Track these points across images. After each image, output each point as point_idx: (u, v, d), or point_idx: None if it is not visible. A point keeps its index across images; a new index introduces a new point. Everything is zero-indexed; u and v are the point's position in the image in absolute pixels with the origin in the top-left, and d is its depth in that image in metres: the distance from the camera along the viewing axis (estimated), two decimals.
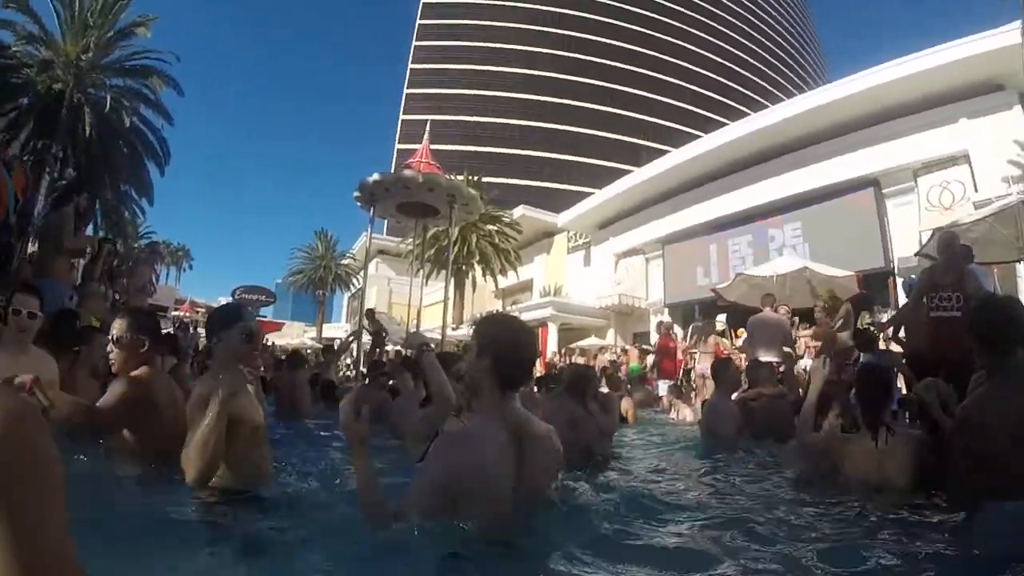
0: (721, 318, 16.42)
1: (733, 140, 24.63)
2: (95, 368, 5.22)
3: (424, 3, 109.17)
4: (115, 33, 23.07)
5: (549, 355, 25.78)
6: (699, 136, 28.86)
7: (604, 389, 8.93)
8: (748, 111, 42.65)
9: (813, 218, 21.93)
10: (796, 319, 12.26)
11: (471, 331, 2.88)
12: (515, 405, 2.66)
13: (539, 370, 20.20)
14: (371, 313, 17.21)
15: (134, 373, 3.68)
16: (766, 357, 8.98)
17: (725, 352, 13.11)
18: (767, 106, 27.62)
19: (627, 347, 22.64)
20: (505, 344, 2.63)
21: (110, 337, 3.68)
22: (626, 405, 9.35)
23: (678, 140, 38.61)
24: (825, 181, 21.43)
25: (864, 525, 3.17)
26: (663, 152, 31.41)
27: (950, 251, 7.07)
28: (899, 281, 18.10)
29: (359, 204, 14.54)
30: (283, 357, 11.63)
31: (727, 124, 27.36)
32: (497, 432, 2.53)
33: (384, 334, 17.04)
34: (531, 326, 23.18)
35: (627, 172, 32.73)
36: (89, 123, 20.13)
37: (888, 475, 3.56)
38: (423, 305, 20.82)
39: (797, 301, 12.33)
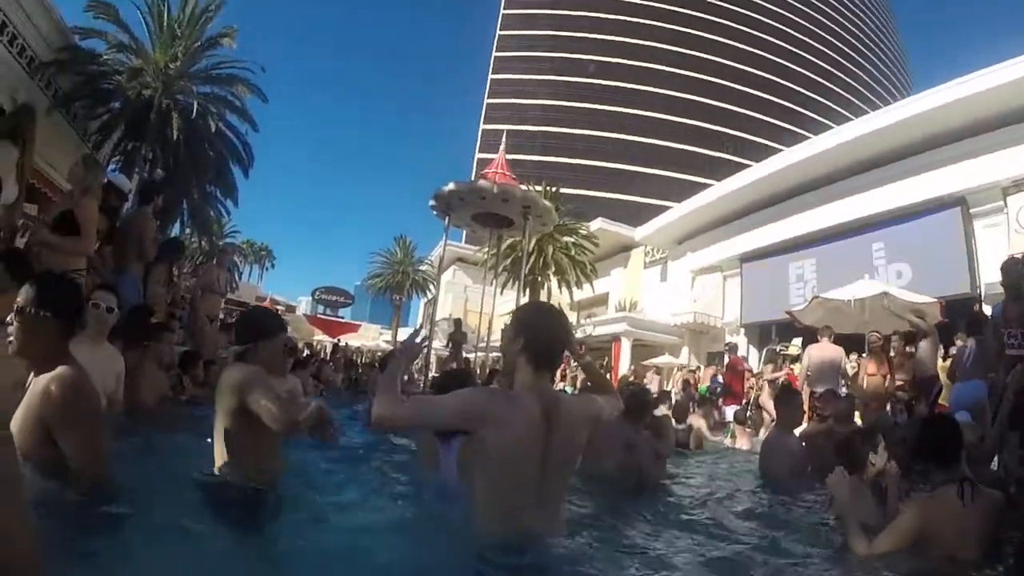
0: (797, 342, 16.05)
1: (814, 155, 23.85)
2: (161, 360, 5.91)
3: (504, 14, 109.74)
4: (202, 43, 23.76)
5: (622, 372, 25.54)
6: (780, 149, 28.16)
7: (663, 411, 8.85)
8: (830, 124, 41.69)
9: (896, 239, 21.12)
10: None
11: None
12: (548, 385, 2.89)
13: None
14: (459, 323, 17.30)
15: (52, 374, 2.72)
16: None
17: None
18: (850, 119, 26.79)
19: (699, 368, 22.30)
20: (537, 327, 2.89)
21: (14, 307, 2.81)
22: (696, 429, 9.18)
23: (758, 153, 38.01)
24: (909, 200, 20.62)
25: None
26: (743, 166, 30.94)
27: (1008, 279, 6.77)
28: (987, 308, 17.44)
29: (435, 213, 14.71)
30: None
31: (809, 137, 26.69)
32: (529, 401, 2.71)
33: (463, 344, 17.13)
34: (604, 340, 23.31)
35: (707, 186, 32.20)
36: (177, 127, 20.64)
37: (973, 539, 3.19)
38: (497, 314, 20.82)
39: (876, 326, 11.90)
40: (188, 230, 25.86)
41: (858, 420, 7.87)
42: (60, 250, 5.73)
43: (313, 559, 2.71)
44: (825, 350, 10.75)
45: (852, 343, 12.07)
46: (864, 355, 10.80)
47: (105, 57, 20.81)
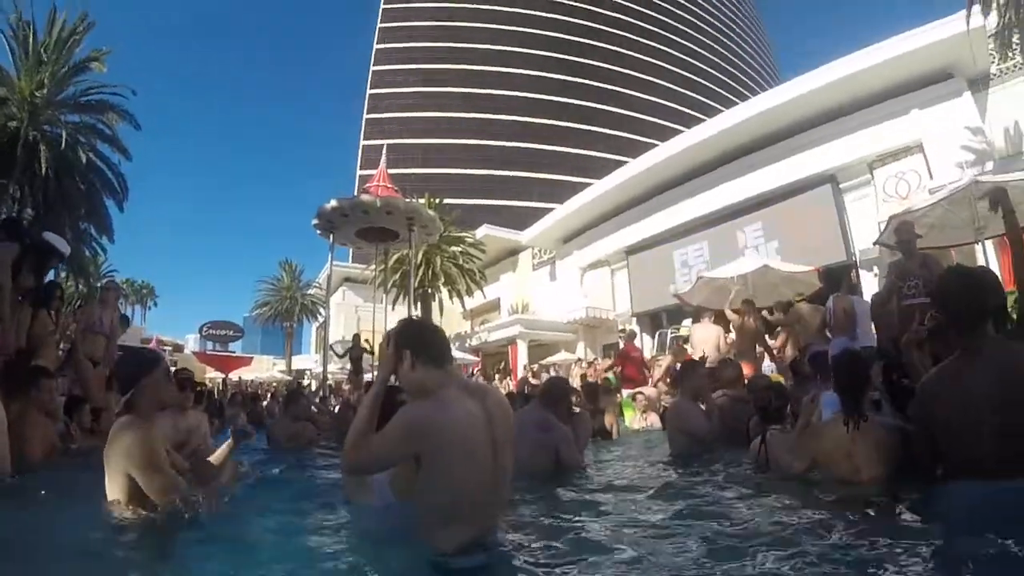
0: (687, 323, 16.44)
1: (690, 146, 24.73)
2: (46, 408, 5.38)
3: (380, 27, 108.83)
4: (70, 68, 22.95)
5: (521, 372, 25.69)
6: (656, 145, 28.90)
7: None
8: (704, 117, 42.68)
9: (774, 218, 22.07)
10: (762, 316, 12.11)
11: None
12: (461, 375, 2.93)
13: (511, 386, 20.17)
14: (357, 338, 17.06)
15: None
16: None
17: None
18: (722, 111, 27.67)
19: (596, 359, 22.56)
20: (411, 333, 2.85)
21: None
22: (609, 420, 9.18)
23: (635, 150, 38.50)
24: (784, 180, 21.61)
25: (834, 522, 3.04)
26: (622, 163, 31.40)
27: (905, 236, 7.35)
28: (862, 273, 18.27)
29: (318, 232, 14.55)
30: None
31: (684, 131, 27.48)
32: (462, 398, 2.64)
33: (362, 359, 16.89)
34: (500, 345, 23.52)
35: (587, 185, 32.70)
36: (45, 161, 20.00)
37: (858, 464, 3.48)
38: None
39: (762, 300, 12.27)
40: (63, 273, 24.78)
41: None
42: None
43: None
44: (706, 328, 11.56)
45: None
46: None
47: None
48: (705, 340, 11.15)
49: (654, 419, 10.40)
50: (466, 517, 2.56)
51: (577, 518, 3.55)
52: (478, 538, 2.59)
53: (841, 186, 20.41)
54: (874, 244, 12.50)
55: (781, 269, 13.30)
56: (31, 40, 22.27)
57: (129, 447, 3.20)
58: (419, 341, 2.76)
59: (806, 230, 20.45)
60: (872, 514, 3.10)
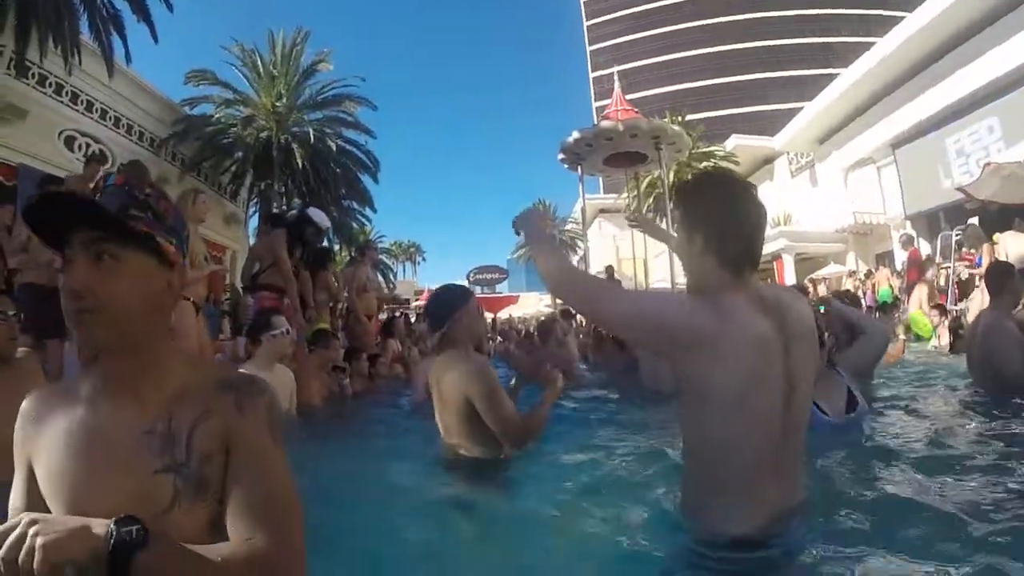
0: (973, 222, 14.57)
1: (946, 8, 20.76)
2: (324, 365, 6.41)
3: None
4: (300, 75, 25.78)
5: None
6: (903, 16, 25.66)
7: None
8: None
9: None
10: None
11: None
12: (760, 284, 2.03)
13: None
14: (611, 269, 17.23)
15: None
16: None
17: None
18: None
19: (874, 270, 21.00)
20: (716, 213, 2.00)
21: None
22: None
23: (882, 27, 35.22)
24: None
25: None
26: (869, 45, 28.61)
27: None
28: None
29: (565, 166, 14.83)
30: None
31: None
32: (750, 311, 1.88)
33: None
34: (764, 261, 22.38)
35: (835, 76, 30.37)
36: (300, 156, 22.55)
37: None
38: (651, 256, 20.41)
39: None
40: (337, 245, 27.78)
41: None
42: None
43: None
44: (1020, 237, 9.55)
45: None
46: None
47: (217, 116, 23.32)
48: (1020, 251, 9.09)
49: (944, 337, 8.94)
50: (744, 484, 1.88)
51: (864, 485, 2.67)
52: (765, 518, 1.86)
53: None
54: None
55: None
56: (259, 63, 25.48)
57: (472, 374, 3.27)
58: (722, 230, 1.96)
59: None
60: None
